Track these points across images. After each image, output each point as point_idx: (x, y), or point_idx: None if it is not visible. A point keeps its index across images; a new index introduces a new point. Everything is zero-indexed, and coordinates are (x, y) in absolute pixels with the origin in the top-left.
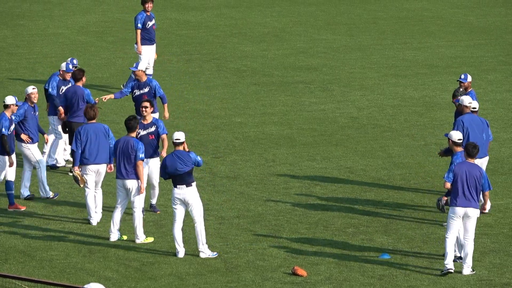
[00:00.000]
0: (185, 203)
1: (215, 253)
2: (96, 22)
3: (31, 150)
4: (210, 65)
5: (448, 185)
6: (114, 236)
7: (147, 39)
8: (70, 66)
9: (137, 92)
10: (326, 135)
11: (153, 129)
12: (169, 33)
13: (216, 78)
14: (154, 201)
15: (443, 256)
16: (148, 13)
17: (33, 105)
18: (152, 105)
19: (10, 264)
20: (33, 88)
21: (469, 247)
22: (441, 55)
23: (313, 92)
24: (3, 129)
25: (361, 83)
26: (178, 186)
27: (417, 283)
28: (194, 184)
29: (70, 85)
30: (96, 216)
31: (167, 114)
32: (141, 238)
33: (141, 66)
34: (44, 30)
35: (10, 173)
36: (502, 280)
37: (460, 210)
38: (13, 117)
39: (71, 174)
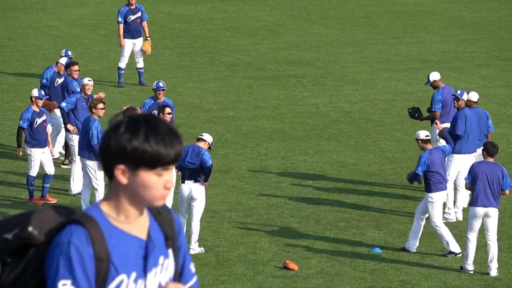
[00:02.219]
0: (190, 199)
1: (202, 248)
2: (89, 15)
3: (74, 142)
4: (203, 59)
5: (468, 185)
6: None
7: (128, 33)
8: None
9: (156, 113)
10: (318, 129)
11: None
12: (162, 27)
13: (208, 71)
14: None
15: (435, 252)
16: (133, 7)
17: (86, 97)
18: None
19: None
20: (89, 80)
21: (493, 248)
22: (434, 49)
23: (306, 86)
24: (21, 121)
25: (353, 78)
26: (186, 181)
27: (408, 277)
28: (202, 181)
29: (63, 78)
30: None
31: None
32: None
33: (123, 62)
34: (37, 22)
35: (50, 167)
36: (494, 275)
37: (480, 210)
38: (64, 104)
39: (64, 166)
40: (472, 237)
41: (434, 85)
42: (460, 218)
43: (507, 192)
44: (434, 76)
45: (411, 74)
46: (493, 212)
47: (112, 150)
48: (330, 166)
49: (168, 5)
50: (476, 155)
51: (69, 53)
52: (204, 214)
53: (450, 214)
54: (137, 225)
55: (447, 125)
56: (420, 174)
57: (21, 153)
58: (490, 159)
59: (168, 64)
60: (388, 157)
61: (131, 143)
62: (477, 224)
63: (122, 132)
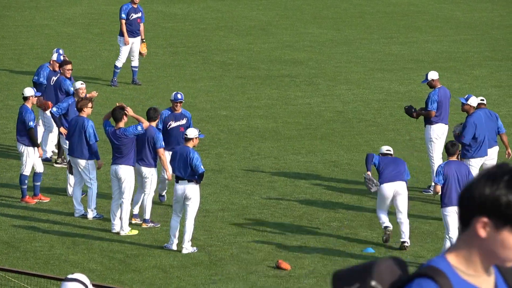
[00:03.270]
0: (184, 198)
1: (195, 248)
2: (82, 14)
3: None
4: (196, 58)
5: (439, 188)
6: (117, 227)
7: (128, 31)
8: (61, 57)
9: (172, 124)
10: (311, 129)
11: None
12: (155, 26)
13: (201, 71)
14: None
15: (428, 251)
16: (135, 6)
17: None
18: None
19: None
20: (81, 84)
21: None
22: (427, 50)
23: (299, 86)
24: (31, 123)
25: (346, 77)
26: (179, 181)
27: None
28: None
29: (57, 76)
30: (90, 214)
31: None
32: (126, 230)
33: (120, 61)
34: (30, 21)
35: (39, 165)
36: None
37: (453, 208)
38: (55, 109)
39: (56, 165)
40: (454, 236)
41: (431, 84)
42: None
43: None
44: (433, 75)
45: (404, 74)
46: None
47: (479, 200)
48: (323, 166)
49: (161, 4)
50: (488, 158)
51: (61, 51)
52: (196, 213)
53: None
54: (484, 278)
55: (441, 125)
56: (367, 170)
57: (42, 152)
58: (453, 158)
59: (161, 63)
60: None
61: (508, 197)
62: (454, 222)
63: (502, 187)
